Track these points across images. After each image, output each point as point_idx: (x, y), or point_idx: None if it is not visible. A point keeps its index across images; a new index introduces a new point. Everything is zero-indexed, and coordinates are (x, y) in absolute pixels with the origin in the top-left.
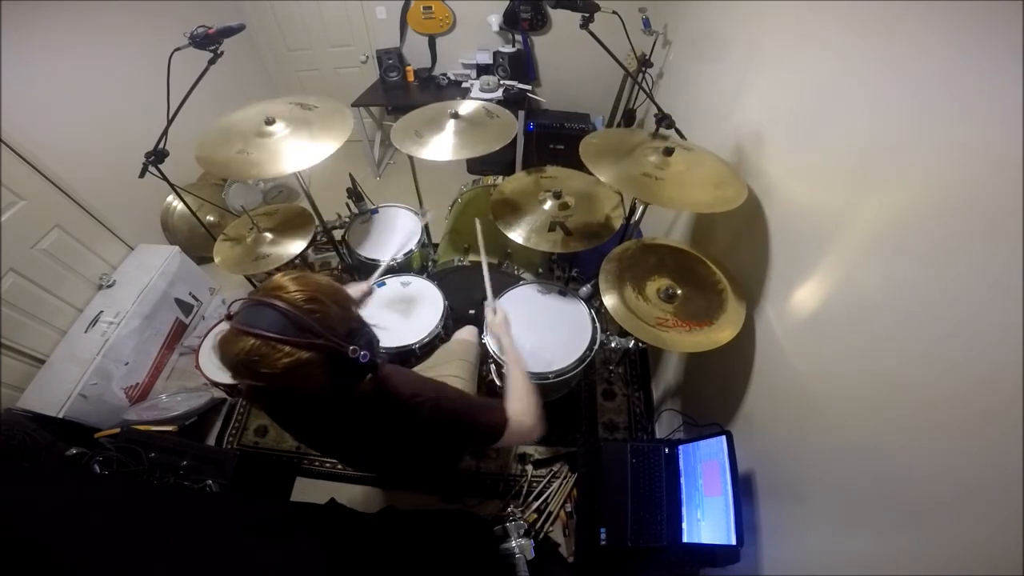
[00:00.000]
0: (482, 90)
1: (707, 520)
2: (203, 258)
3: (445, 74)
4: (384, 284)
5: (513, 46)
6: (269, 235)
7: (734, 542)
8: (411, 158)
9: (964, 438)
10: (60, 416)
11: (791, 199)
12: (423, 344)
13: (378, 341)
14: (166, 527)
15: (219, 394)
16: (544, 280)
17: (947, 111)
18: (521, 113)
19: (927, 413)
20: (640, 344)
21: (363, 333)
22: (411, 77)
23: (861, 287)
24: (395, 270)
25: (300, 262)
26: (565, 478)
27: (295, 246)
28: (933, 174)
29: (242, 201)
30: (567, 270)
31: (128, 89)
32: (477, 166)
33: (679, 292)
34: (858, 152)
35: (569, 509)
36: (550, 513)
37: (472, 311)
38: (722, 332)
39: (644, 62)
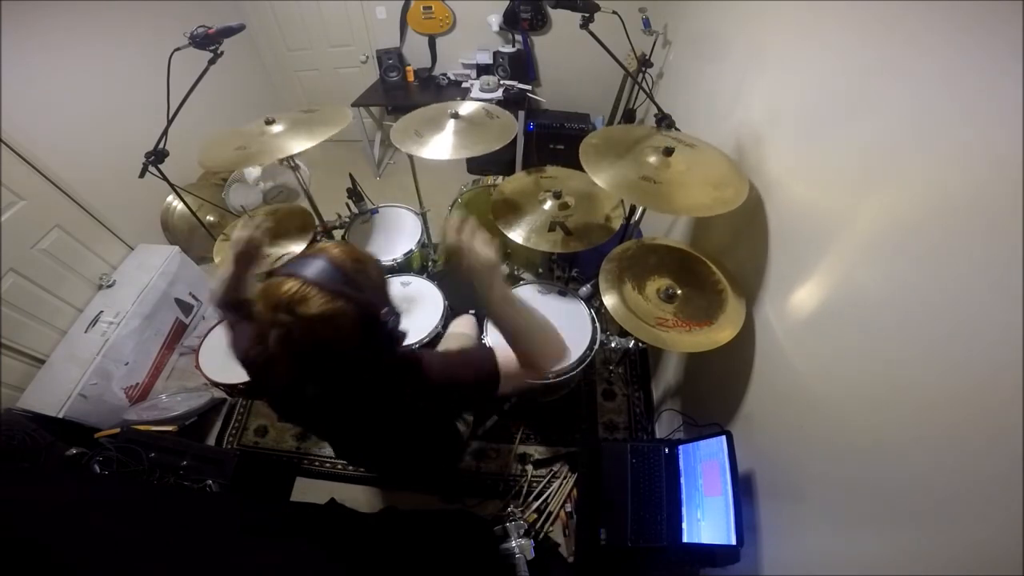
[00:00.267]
0: (482, 90)
1: (707, 520)
2: (203, 258)
3: (445, 74)
4: None
5: (513, 46)
6: (269, 235)
7: (734, 542)
8: (411, 158)
9: (964, 438)
10: (60, 416)
11: (791, 199)
12: (423, 344)
13: (400, 317)
14: (166, 527)
15: (219, 394)
16: (544, 280)
17: (947, 111)
18: (521, 113)
19: (927, 413)
20: (640, 344)
21: (393, 307)
22: (411, 77)
23: (861, 287)
24: (395, 270)
25: None
26: (565, 478)
27: (295, 246)
28: (933, 174)
29: (242, 201)
30: (567, 270)
31: (128, 89)
32: (477, 166)
33: (679, 292)
34: (858, 152)
35: (569, 509)
36: (550, 513)
37: (472, 311)
38: (722, 332)
39: (644, 62)
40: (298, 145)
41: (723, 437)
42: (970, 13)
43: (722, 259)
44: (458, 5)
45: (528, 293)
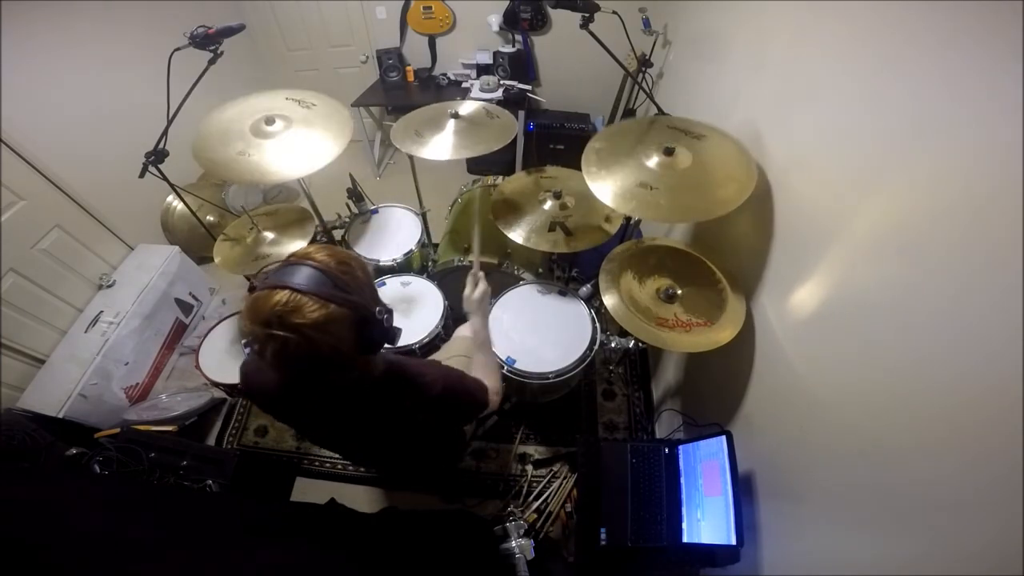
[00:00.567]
0: (482, 90)
1: (707, 520)
2: (203, 258)
3: (445, 74)
4: (384, 284)
5: (513, 46)
6: (269, 235)
7: (734, 542)
8: (411, 158)
9: (964, 440)
10: (60, 416)
11: (792, 199)
12: (423, 344)
13: (393, 314)
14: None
15: (219, 394)
16: (544, 280)
17: (948, 111)
18: (521, 113)
19: (927, 414)
20: (640, 344)
21: (384, 305)
22: (411, 77)
23: (861, 288)
24: (395, 270)
25: None
26: (565, 478)
27: (295, 246)
28: (933, 175)
29: (242, 201)
30: (567, 270)
31: (128, 89)
32: (477, 166)
33: (679, 292)
34: (858, 152)
35: (569, 509)
36: (550, 513)
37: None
38: (722, 332)
39: (644, 62)
40: (303, 166)
41: (723, 437)
42: (970, 13)
43: (722, 259)
44: (458, 5)
45: (528, 293)
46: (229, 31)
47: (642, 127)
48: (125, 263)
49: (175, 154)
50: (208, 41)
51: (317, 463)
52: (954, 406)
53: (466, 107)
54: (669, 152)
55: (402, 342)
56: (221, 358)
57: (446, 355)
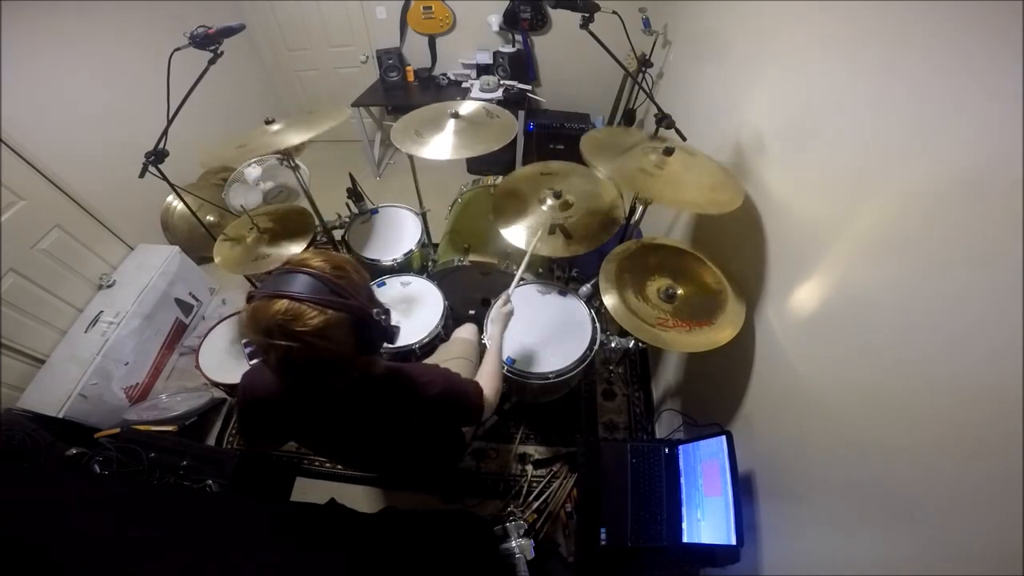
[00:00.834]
0: (482, 90)
1: (707, 520)
2: (203, 258)
3: (445, 74)
4: (384, 284)
5: (513, 46)
6: (269, 235)
7: (734, 542)
8: (411, 158)
9: (964, 439)
10: (60, 416)
11: (791, 199)
12: (423, 344)
13: (390, 314)
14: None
15: (219, 394)
16: (544, 280)
17: (947, 111)
18: (521, 113)
19: (927, 413)
20: (640, 344)
21: (381, 306)
22: (411, 77)
23: (861, 287)
24: (395, 270)
25: None
26: (565, 478)
27: (295, 246)
28: (934, 175)
29: (242, 201)
30: (567, 270)
31: (128, 89)
32: (477, 166)
33: (679, 292)
34: (859, 152)
35: (569, 509)
36: (550, 513)
37: (472, 311)
38: (722, 332)
39: (644, 62)
40: (297, 137)
41: (723, 437)
42: (970, 13)
43: (722, 259)
44: (458, 5)
45: (528, 293)
46: (229, 31)
47: (639, 137)
48: (125, 263)
49: (175, 154)
50: (208, 41)
51: (317, 463)
52: (954, 405)
53: (466, 107)
54: (669, 152)
55: (402, 342)
56: (221, 358)
57: (444, 356)
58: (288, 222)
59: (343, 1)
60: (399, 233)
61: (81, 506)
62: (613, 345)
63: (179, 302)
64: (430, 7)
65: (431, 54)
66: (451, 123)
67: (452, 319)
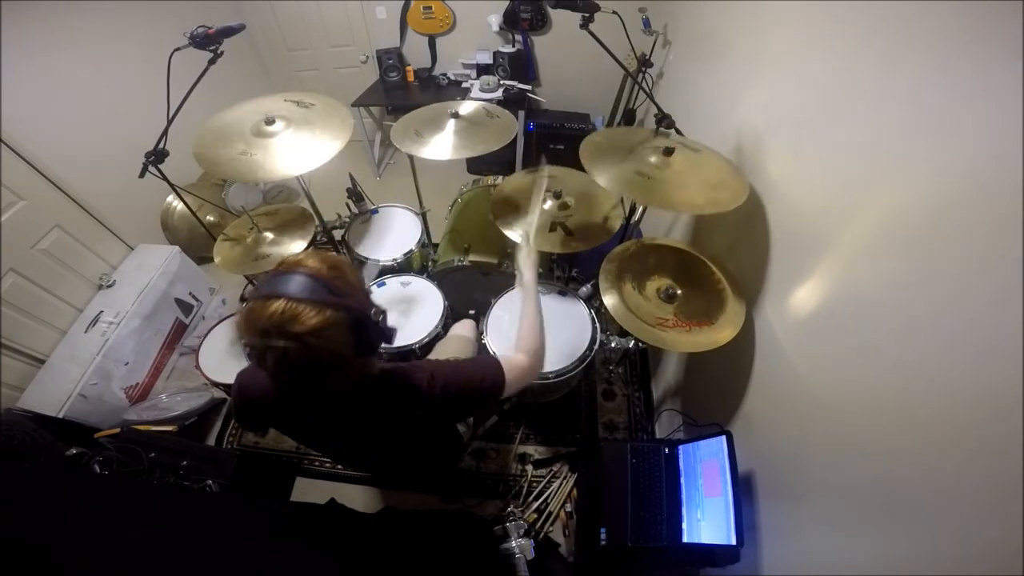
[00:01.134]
0: (482, 90)
1: (707, 520)
2: (203, 258)
3: (445, 74)
4: (384, 284)
5: (513, 46)
6: (269, 235)
7: (734, 542)
8: (411, 158)
9: (964, 439)
10: (60, 416)
11: (791, 199)
12: (423, 344)
13: (387, 314)
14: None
15: (219, 394)
16: (544, 280)
17: (947, 110)
18: (521, 113)
19: (927, 413)
20: (640, 344)
21: (377, 306)
22: (411, 77)
23: (861, 287)
24: (395, 270)
25: None
26: (565, 478)
27: (295, 246)
28: (934, 174)
29: (242, 201)
30: (567, 270)
31: (128, 89)
32: (477, 166)
33: (679, 292)
34: (858, 152)
35: (569, 509)
36: (550, 513)
37: (472, 311)
38: (722, 332)
39: (644, 62)
40: (304, 164)
41: (723, 437)
42: (970, 13)
43: (722, 259)
44: (458, 5)
45: None
46: (229, 31)
47: (642, 135)
48: (125, 263)
49: (175, 154)
50: (208, 41)
51: (317, 463)
52: (954, 406)
53: (466, 107)
54: (669, 152)
55: (402, 342)
56: (221, 358)
57: (441, 355)
58: (288, 222)
59: (343, 1)
60: (399, 233)
61: (81, 506)
62: (613, 345)
63: (179, 302)
64: (430, 7)
65: (431, 54)
66: (451, 123)
67: (452, 319)
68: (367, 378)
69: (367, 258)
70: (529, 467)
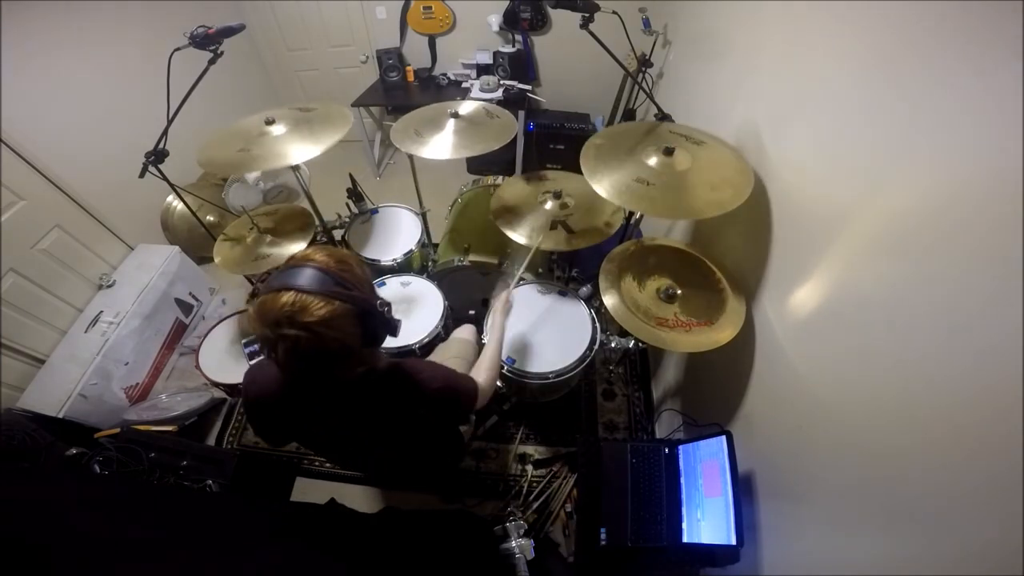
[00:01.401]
0: (482, 90)
1: (707, 520)
2: (203, 258)
3: (445, 74)
4: (384, 284)
5: (513, 46)
6: (269, 235)
7: (734, 542)
8: (411, 158)
9: (964, 439)
10: (60, 416)
11: (792, 199)
12: (423, 344)
13: (391, 307)
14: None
15: (219, 394)
16: (544, 280)
17: (947, 110)
18: (521, 113)
19: (927, 412)
20: (640, 344)
21: (382, 299)
22: (411, 77)
23: (861, 287)
24: (395, 270)
25: None
26: (565, 478)
27: (295, 246)
28: (934, 175)
29: (242, 201)
30: (567, 270)
31: (128, 89)
32: (477, 166)
33: (679, 292)
34: (859, 152)
35: (569, 509)
36: (550, 513)
37: (472, 311)
38: (722, 332)
39: (644, 62)
40: (302, 153)
41: (723, 437)
42: (970, 13)
43: (722, 259)
44: (458, 5)
45: (528, 293)
46: (229, 31)
47: (644, 129)
48: (125, 263)
49: (175, 154)
50: (208, 41)
51: (317, 463)
52: (954, 406)
53: (466, 107)
54: (669, 152)
55: (402, 342)
56: (221, 358)
57: (442, 356)
58: (288, 222)
59: (343, 1)
60: (399, 233)
61: (81, 506)
62: (613, 345)
63: (179, 302)
64: (430, 7)
65: (431, 54)
66: (451, 123)
67: (452, 319)
68: (374, 370)
69: (366, 259)
70: (529, 467)
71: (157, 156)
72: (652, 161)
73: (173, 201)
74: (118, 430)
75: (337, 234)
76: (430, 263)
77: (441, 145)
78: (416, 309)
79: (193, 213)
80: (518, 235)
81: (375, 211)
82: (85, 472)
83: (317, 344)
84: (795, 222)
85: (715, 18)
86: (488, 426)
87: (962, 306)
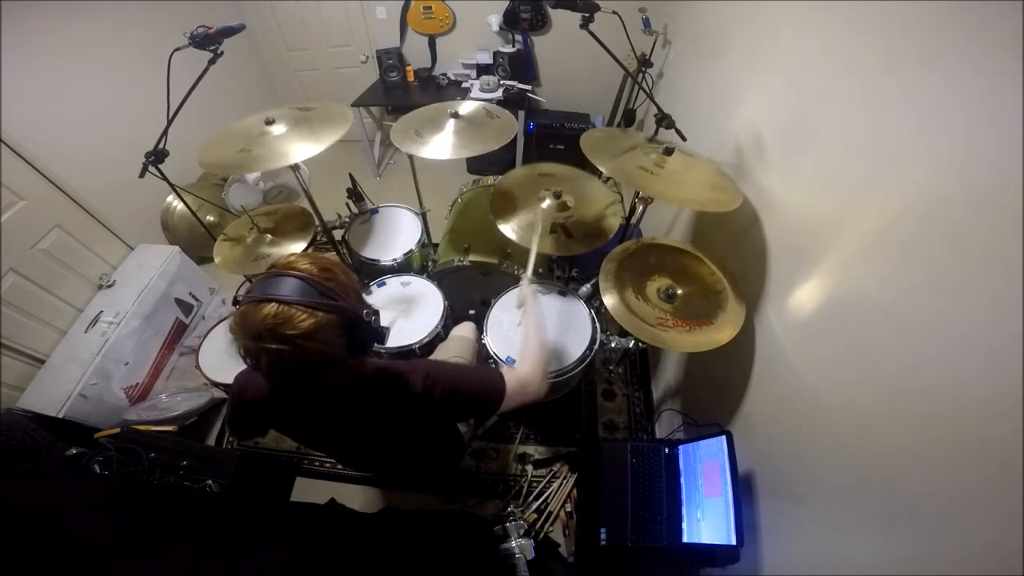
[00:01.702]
0: (482, 90)
1: (707, 520)
2: (203, 258)
3: (445, 74)
4: (384, 284)
5: (513, 46)
6: (269, 235)
7: (734, 542)
8: (411, 158)
9: (964, 439)
10: (60, 416)
11: (791, 199)
12: (423, 344)
13: (380, 314)
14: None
15: (219, 394)
16: (544, 280)
17: (946, 110)
18: (521, 113)
19: (927, 413)
20: (640, 344)
21: (370, 307)
22: (411, 77)
23: (861, 288)
24: (395, 270)
25: None
26: (565, 478)
27: (295, 246)
28: (934, 176)
29: (242, 201)
30: (567, 270)
31: (128, 89)
32: (477, 166)
33: (679, 292)
34: (859, 153)
35: (569, 509)
36: (550, 513)
37: (472, 311)
38: (722, 332)
39: (644, 62)
40: (302, 151)
41: (723, 437)
42: (969, 13)
43: (722, 259)
44: (458, 5)
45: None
46: (229, 31)
47: (639, 139)
48: (125, 263)
49: (175, 154)
50: (208, 41)
51: (317, 463)
52: (954, 406)
53: (466, 107)
54: (669, 152)
55: (402, 342)
56: (221, 358)
57: (442, 357)
58: (288, 222)
59: (343, 1)
60: (399, 233)
61: (81, 506)
62: (613, 345)
63: (179, 302)
64: (430, 7)
65: (431, 54)
66: (451, 123)
67: (452, 319)
68: (361, 376)
69: (366, 259)
70: (529, 467)
71: (157, 156)
72: (652, 156)
73: (173, 201)
74: (118, 430)
75: (337, 234)
76: (430, 263)
77: (441, 145)
78: (416, 309)
79: (193, 213)
80: (517, 235)
81: (375, 211)
82: (85, 472)
83: (300, 356)
84: (795, 222)
85: (715, 18)
86: (488, 426)
87: (962, 306)
